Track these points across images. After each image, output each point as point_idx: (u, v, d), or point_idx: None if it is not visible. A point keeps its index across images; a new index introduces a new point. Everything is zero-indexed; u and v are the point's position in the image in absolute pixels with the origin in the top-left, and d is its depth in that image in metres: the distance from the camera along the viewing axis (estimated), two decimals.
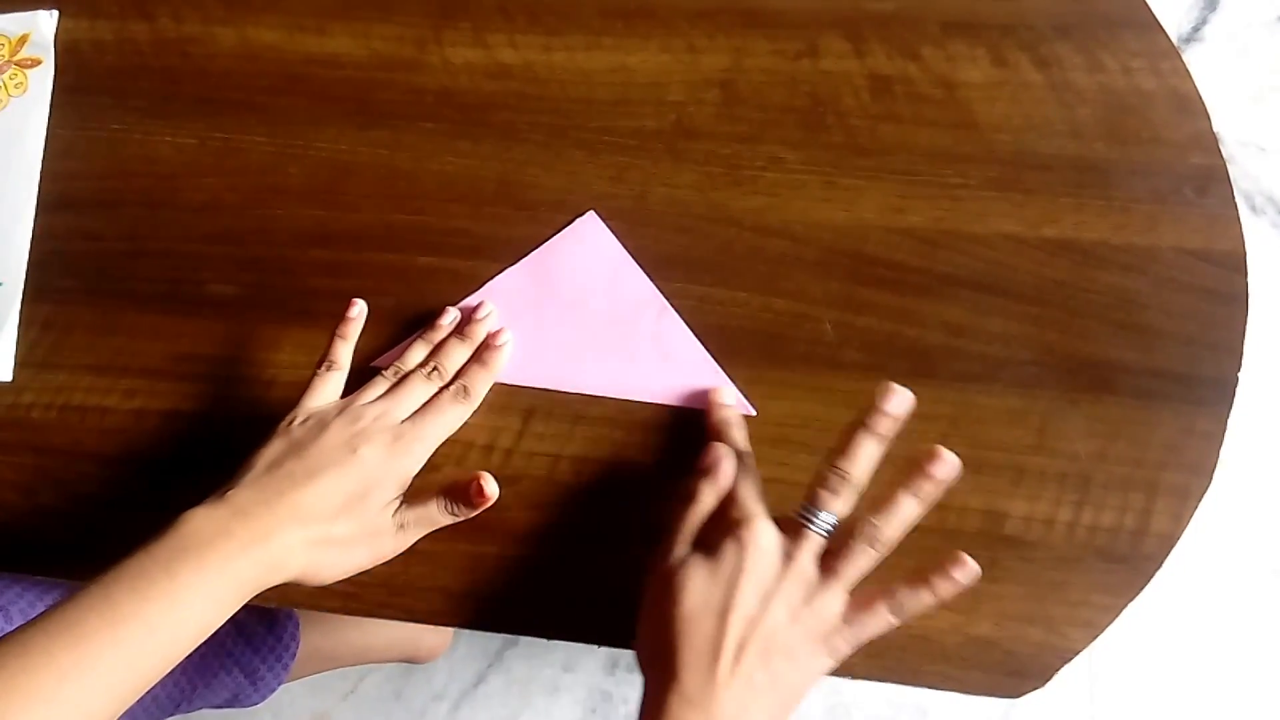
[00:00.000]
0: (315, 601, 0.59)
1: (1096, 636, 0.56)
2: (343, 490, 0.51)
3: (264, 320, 0.62)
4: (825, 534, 0.49)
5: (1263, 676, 1.19)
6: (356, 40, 0.65)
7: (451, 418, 0.57)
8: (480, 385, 0.58)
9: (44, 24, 0.68)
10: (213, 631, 0.48)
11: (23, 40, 0.68)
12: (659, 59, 0.63)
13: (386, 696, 1.27)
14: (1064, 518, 0.57)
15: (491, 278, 0.61)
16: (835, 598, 0.49)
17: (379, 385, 0.57)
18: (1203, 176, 0.59)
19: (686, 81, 0.63)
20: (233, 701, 0.87)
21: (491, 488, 0.53)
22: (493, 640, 1.26)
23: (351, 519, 0.52)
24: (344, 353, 0.58)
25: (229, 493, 0.50)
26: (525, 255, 0.61)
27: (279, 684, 0.90)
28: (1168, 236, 0.58)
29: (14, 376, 0.64)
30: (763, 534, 0.49)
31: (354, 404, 0.55)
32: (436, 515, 0.54)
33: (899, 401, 0.50)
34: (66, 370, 0.63)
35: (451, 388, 0.57)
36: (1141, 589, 0.56)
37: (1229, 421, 0.57)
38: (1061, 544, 0.56)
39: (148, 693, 0.74)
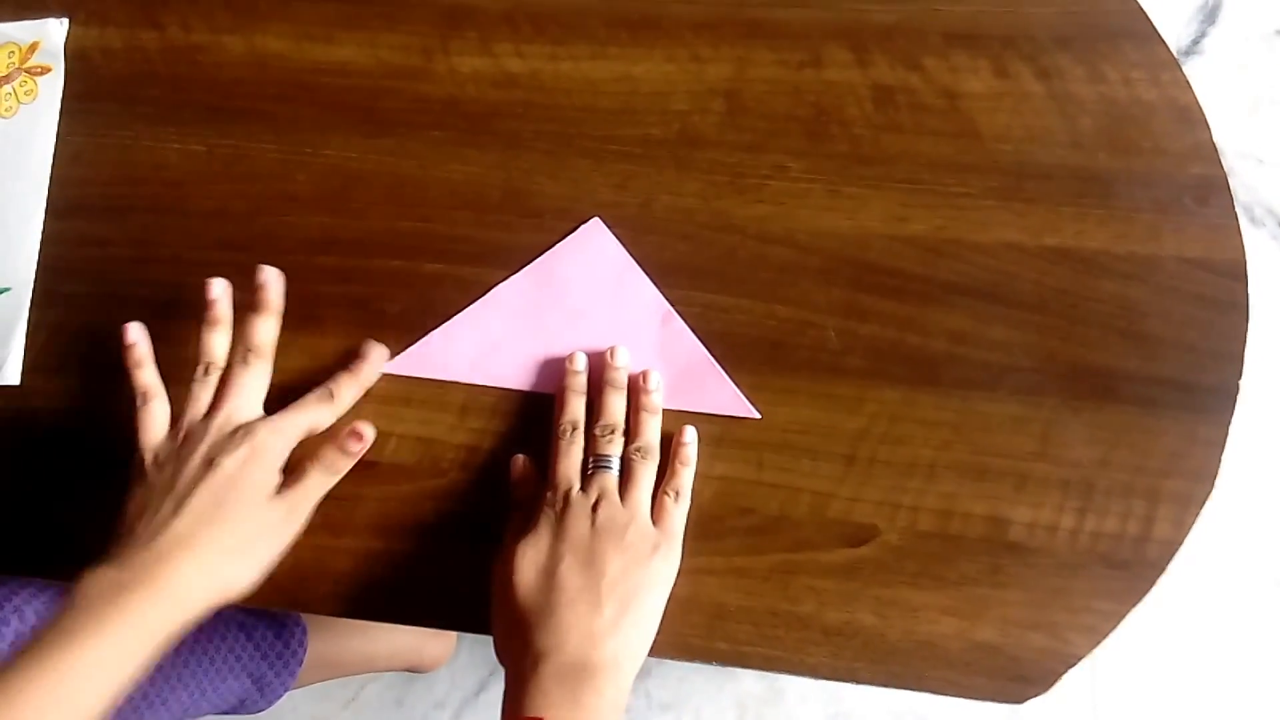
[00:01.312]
0: (324, 605, 0.59)
1: (1099, 642, 0.56)
2: (215, 504, 0.52)
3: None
4: (610, 469, 0.56)
5: (1264, 683, 1.19)
6: (364, 49, 0.66)
7: (313, 415, 0.57)
8: (347, 392, 0.59)
9: (54, 32, 0.68)
10: (133, 683, 0.48)
11: (33, 48, 0.68)
12: (664, 68, 0.64)
13: (388, 704, 1.26)
14: (1067, 524, 0.57)
15: (496, 284, 0.62)
16: (643, 512, 0.55)
17: (200, 392, 0.57)
18: (1203, 186, 0.59)
19: (691, 91, 0.63)
20: (239, 708, 0.87)
21: (367, 431, 0.55)
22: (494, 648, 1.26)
23: (235, 526, 0.52)
24: (149, 380, 0.58)
25: (112, 550, 0.51)
26: (530, 262, 0.62)
27: (285, 691, 0.90)
28: (1169, 245, 0.59)
29: (22, 381, 0.64)
30: (569, 493, 0.55)
31: (190, 422, 0.56)
32: (317, 480, 0.55)
33: (622, 354, 0.58)
34: (75, 375, 0.64)
35: (318, 390, 0.58)
36: (1144, 595, 0.56)
37: (1230, 429, 0.57)
38: (1064, 550, 0.57)
39: (155, 697, 0.74)
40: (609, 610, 0.51)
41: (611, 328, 0.60)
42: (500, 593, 0.54)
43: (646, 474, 0.56)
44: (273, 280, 0.58)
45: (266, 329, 0.58)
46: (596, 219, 0.62)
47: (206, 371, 0.57)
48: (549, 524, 0.54)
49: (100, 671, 0.46)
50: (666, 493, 0.56)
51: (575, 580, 0.52)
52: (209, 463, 0.53)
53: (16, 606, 0.65)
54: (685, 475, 0.57)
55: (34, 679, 0.45)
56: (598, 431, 0.57)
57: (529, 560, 0.53)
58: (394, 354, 0.61)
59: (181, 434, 0.55)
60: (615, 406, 0.58)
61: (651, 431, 0.57)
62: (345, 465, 0.56)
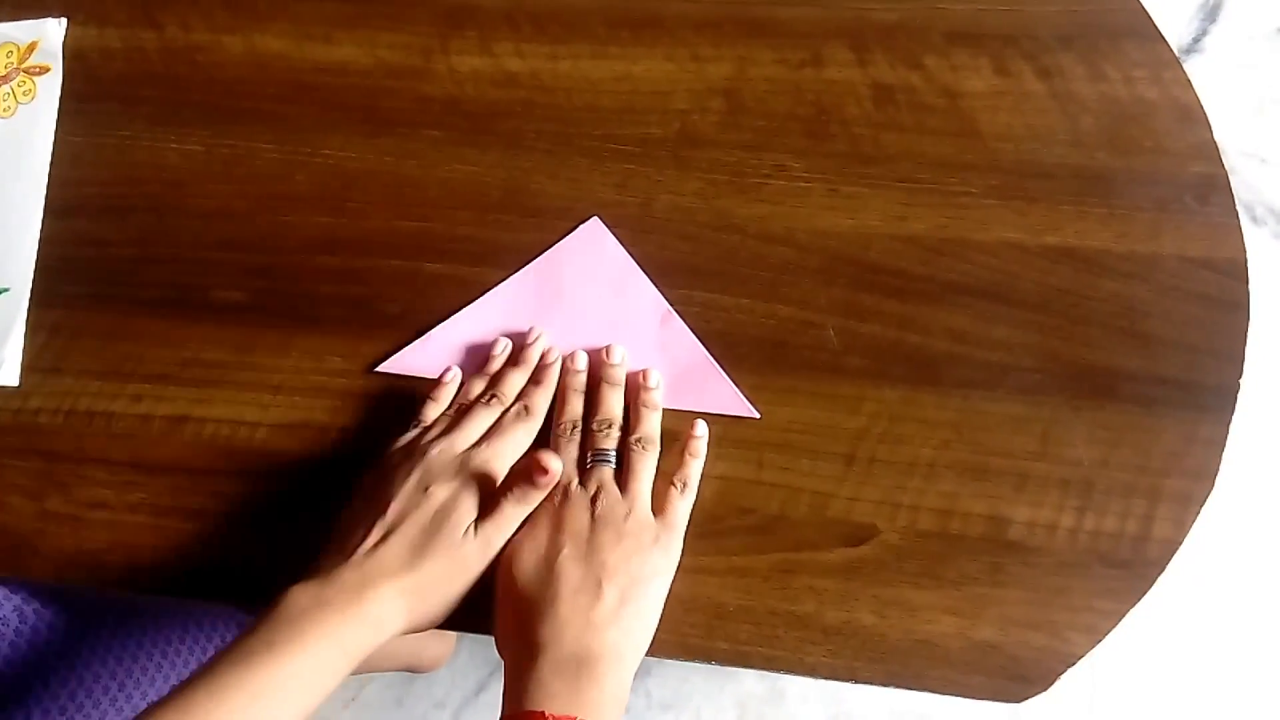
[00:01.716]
0: None
1: (1099, 642, 0.56)
2: (421, 533, 0.52)
3: (271, 326, 0.63)
4: (609, 463, 0.56)
5: (1264, 683, 1.19)
6: (363, 49, 0.66)
7: (518, 437, 0.57)
8: (540, 403, 0.58)
9: (52, 32, 0.68)
10: (323, 698, 0.48)
11: (31, 48, 0.68)
12: (664, 68, 0.64)
13: (388, 704, 1.26)
14: (1067, 523, 0.57)
15: (496, 284, 0.61)
16: (642, 503, 0.55)
17: (440, 422, 0.58)
18: (1204, 185, 0.59)
19: (691, 90, 0.63)
20: None
21: (553, 464, 0.52)
22: (494, 648, 1.26)
23: (437, 558, 0.52)
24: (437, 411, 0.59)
25: (322, 563, 0.52)
26: (529, 261, 0.62)
27: None
28: (1169, 244, 0.59)
29: (21, 382, 0.64)
30: (569, 488, 0.55)
31: (417, 444, 0.56)
32: (510, 512, 0.54)
33: (618, 352, 0.59)
34: (73, 375, 0.64)
35: (513, 409, 0.58)
36: (1144, 594, 0.56)
37: (1231, 428, 0.57)
38: (1064, 550, 0.57)
39: (155, 697, 0.74)
40: (609, 600, 0.51)
41: (611, 327, 0.60)
42: (501, 585, 0.54)
43: (646, 465, 0.56)
44: (543, 345, 0.60)
45: (519, 385, 0.59)
46: (596, 219, 0.62)
47: (490, 401, 0.58)
48: (548, 516, 0.54)
49: (297, 684, 0.47)
50: (673, 483, 0.56)
51: (575, 571, 0.52)
52: (423, 489, 0.53)
53: (17, 605, 0.65)
54: (694, 467, 0.57)
55: (235, 686, 0.45)
56: (595, 426, 0.57)
57: (528, 551, 0.53)
58: (393, 354, 0.61)
59: (406, 454, 0.56)
60: (612, 401, 0.58)
61: (651, 424, 0.57)
62: (537, 497, 0.54)
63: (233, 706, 0.45)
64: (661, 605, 0.54)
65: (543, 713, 0.47)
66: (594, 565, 0.52)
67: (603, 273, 0.61)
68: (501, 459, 0.55)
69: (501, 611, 0.54)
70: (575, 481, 0.56)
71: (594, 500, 0.54)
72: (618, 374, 0.59)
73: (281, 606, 0.49)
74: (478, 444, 0.56)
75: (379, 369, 0.61)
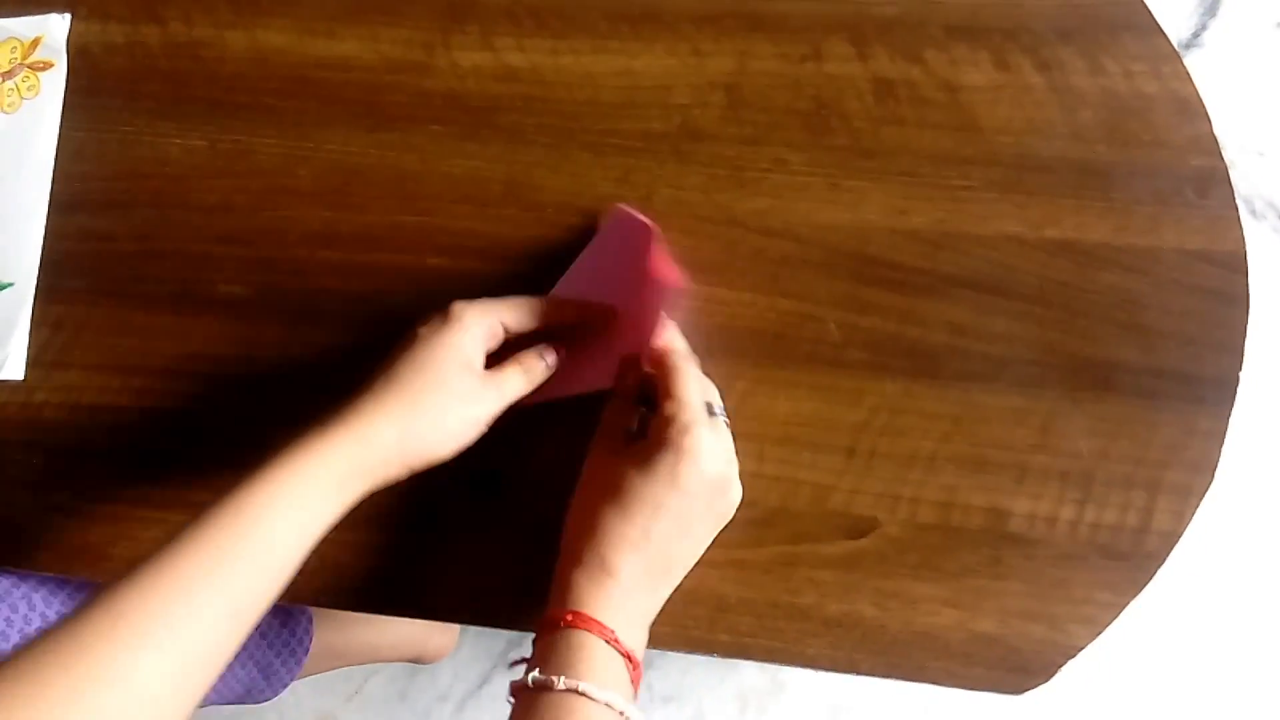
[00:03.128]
0: (328, 599, 0.60)
1: (1099, 634, 0.56)
2: (413, 369, 0.52)
3: (274, 320, 0.63)
4: (723, 416, 0.54)
5: (1264, 675, 1.19)
6: (365, 44, 0.66)
7: (513, 310, 0.56)
8: (537, 307, 0.57)
9: (56, 27, 0.68)
10: (320, 529, 0.48)
11: (35, 43, 0.68)
12: (664, 62, 0.64)
13: (391, 697, 1.27)
14: (1067, 516, 0.57)
15: (498, 278, 0.61)
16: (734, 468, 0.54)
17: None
18: (1203, 178, 0.59)
19: (692, 84, 0.63)
20: (246, 697, 0.87)
21: (552, 356, 0.56)
22: (498, 640, 1.27)
23: (429, 389, 0.52)
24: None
25: None
26: (533, 255, 0.62)
27: (292, 679, 0.90)
28: (1169, 238, 0.59)
29: (26, 376, 0.64)
30: (702, 441, 0.51)
31: None
32: (513, 377, 0.55)
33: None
34: (78, 370, 0.64)
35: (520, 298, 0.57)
36: (1144, 587, 0.56)
37: (1230, 421, 0.57)
38: (1064, 542, 0.57)
39: None
40: (676, 568, 0.52)
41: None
42: (586, 497, 0.54)
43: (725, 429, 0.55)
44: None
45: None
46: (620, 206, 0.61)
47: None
48: (671, 458, 0.51)
49: (295, 513, 0.47)
50: (713, 414, 0.54)
51: (668, 530, 0.51)
52: (413, 336, 0.53)
53: (25, 593, 0.65)
54: (707, 392, 0.55)
55: (230, 513, 0.45)
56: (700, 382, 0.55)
57: (632, 494, 0.51)
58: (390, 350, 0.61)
59: None
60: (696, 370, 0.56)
61: (706, 385, 0.56)
62: (539, 374, 0.55)
63: (229, 532, 0.45)
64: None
65: (615, 634, 0.49)
66: (690, 536, 0.52)
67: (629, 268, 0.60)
68: (486, 315, 0.55)
69: (587, 515, 0.53)
70: (704, 420, 0.52)
71: (728, 474, 0.52)
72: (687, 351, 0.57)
73: (272, 451, 0.49)
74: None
75: None
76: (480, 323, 0.54)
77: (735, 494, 0.52)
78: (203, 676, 0.43)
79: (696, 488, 0.50)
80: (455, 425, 0.53)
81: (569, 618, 0.49)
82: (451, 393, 0.52)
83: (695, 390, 0.53)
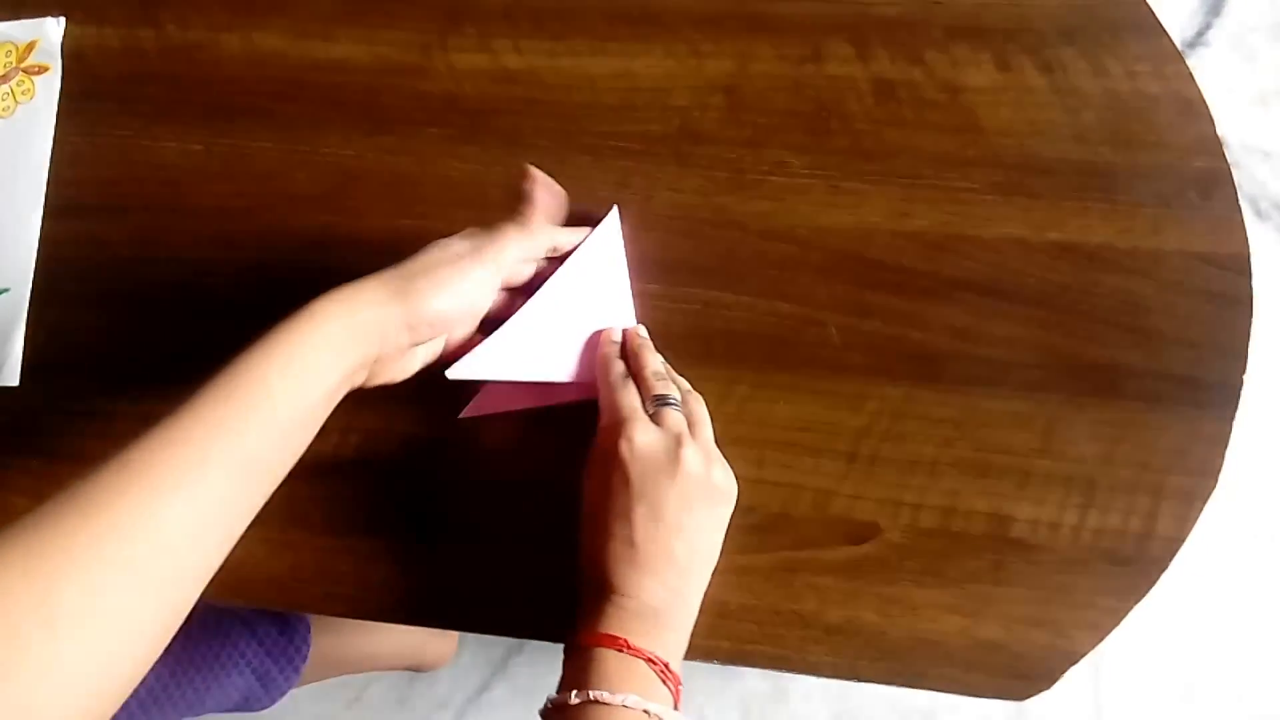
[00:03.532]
0: (326, 606, 0.59)
1: (1102, 639, 0.56)
2: (423, 251, 0.52)
3: (271, 325, 0.62)
4: (675, 406, 0.54)
5: (1268, 679, 1.19)
6: (362, 46, 0.66)
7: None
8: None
9: (51, 31, 0.68)
10: (325, 399, 0.48)
11: (30, 47, 0.68)
12: (664, 64, 0.63)
13: (390, 704, 1.26)
14: (1070, 521, 0.57)
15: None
16: (711, 439, 0.55)
17: None
18: (1207, 180, 0.59)
19: (691, 86, 0.63)
20: (243, 705, 0.87)
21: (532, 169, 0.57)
22: (497, 647, 1.26)
23: (430, 263, 0.52)
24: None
25: None
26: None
27: (289, 687, 0.90)
28: (1172, 240, 0.58)
29: (21, 381, 0.64)
30: (640, 434, 0.52)
31: None
32: (510, 228, 0.54)
33: (642, 329, 0.59)
34: (73, 375, 0.64)
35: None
36: (1147, 592, 0.56)
37: (1234, 425, 0.57)
38: (1067, 547, 0.56)
39: (162, 693, 0.74)
40: (681, 559, 0.51)
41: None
42: (583, 525, 0.54)
43: (705, 410, 0.56)
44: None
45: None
46: (616, 208, 0.60)
47: None
48: (623, 465, 0.52)
49: (295, 371, 0.47)
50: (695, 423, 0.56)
51: (648, 530, 0.51)
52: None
53: None
54: (693, 405, 0.57)
55: (231, 376, 0.45)
56: (650, 375, 0.55)
57: (602, 503, 0.52)
58: None
59: None
60: (655, 359, 0.57)
61: (674, 376, 0.58)
62: (529, 213, 0.55)
63: (236, 391, 0.45)
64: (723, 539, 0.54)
65: (625, 640, 0.49)
66: (670, 525, 0.51)
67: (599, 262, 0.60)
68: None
69: (584, 545, 0.54)
70: (642, 418, 0.53)
71: (675, 453, 0.52)
72: (648, 341, 0.58)
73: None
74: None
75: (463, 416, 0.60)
76: (521, 246, 0.54)
77: (693, 463, 0.52)
78: (220, 532, 0.44)
79: (643, 485, 0.51)
80: (465, 287, 0.52)
81: (583, 639, 0.50)
82: (459, 276, 0.52)
83: (621, 394, 0.54)
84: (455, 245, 0.53)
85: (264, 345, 0.47)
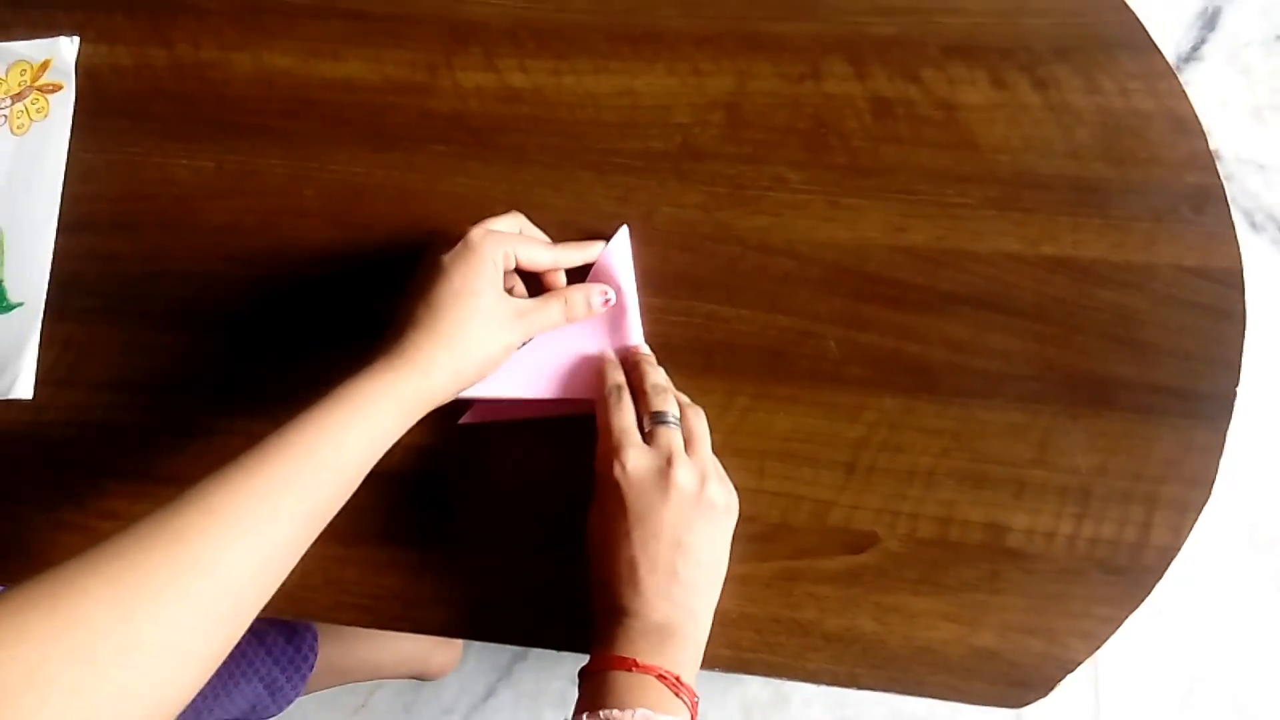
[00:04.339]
0: (333, 615, 0.60)
1: (1098, 648, 0.57)
2: (450, 296, 0.54)
3: (280, 339, 0.64)
4: (673, 424, 0.56)
5: (1263, 688, 1.19)
6: (369, 65, 0.67)
7: (529, 248, 0.58)
8: (559, 251, 0.60)
9: (65, 50, 0.69)
10: (383, 449, 0.51)
11: (44, 66, 0.69)
12: (665, 82, 0.64)
13: (396, 711, 1.27)
14: (1065, 531, 0.57)
15: None
16: (713, 463, 0.56)
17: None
18: (1200, 195, 0.60)
19: (692, 104, 0.64)
20: (250, 713, 0.87)
21: (613, 295, 0.59)
22: (502, 654, 1.27)
23: (468, 322, 0.54)
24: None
25: None
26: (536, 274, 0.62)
27: (296, 695, 0.91)
28: (1165, 254, 0.59)
29: (35, 394, 0.65)
30: (631, 458, 0.54)
31: None
32: (551, 307, 0.57)
33: (644, 346, 0.60)
34: (86, 388, 0.65)
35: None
36: (1142, 601, 0.57)
37: (1228, 436, 0.58)
38: (1062, 556, 0.57)
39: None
40: (686, 577, 0.53)
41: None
42: (590, 548, 0.56)
43: (704, 425, 0.57)
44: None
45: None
46: (625, 227, 0.62)
47: None
48: (622, 486, 0.54)
49: (366, 429, 0.50)
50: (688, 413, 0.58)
51: (653, 550, 0.53)
52: (438, 265, 0.55)
53: None
54: (693, 419, 0.58)
55: (308, 427, 0.49)
56: (649, 389, 0.57)
57: (607, 528, 0.54)
58: None
59: None
60: (656, 374, 0.58)
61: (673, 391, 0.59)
62: (581, 314, 0.58)
63: (299, 449, 0.48)
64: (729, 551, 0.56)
65: (634, 660, 0.50)
66: (669, 543, 0.53)
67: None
68: (515, 246, 0.57)
69: (592, 571, 0.56)
70: (636, 443, 0.55)
71: (668, 463, 0.54)
72: (650, 357, 0.60)
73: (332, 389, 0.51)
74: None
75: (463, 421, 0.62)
76: (497, 250, 0.56)
77: (685, 481, 0.53)
78: (276, 573, 0.46)
79: (638, 507, 0.53)
80: (493, 351, 0.55)
81: (594, 664, 0.51)
82: (490, 319, 0.54)
83: (615, 416, 0.56)
84: (495, 309, 0.55)
85: (338, 401, 0.50)
